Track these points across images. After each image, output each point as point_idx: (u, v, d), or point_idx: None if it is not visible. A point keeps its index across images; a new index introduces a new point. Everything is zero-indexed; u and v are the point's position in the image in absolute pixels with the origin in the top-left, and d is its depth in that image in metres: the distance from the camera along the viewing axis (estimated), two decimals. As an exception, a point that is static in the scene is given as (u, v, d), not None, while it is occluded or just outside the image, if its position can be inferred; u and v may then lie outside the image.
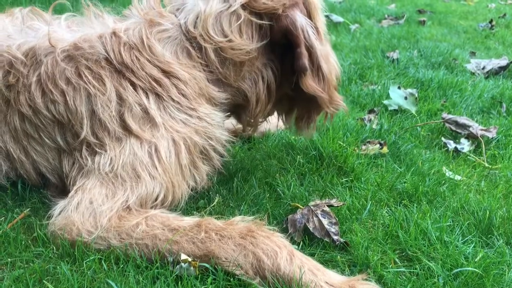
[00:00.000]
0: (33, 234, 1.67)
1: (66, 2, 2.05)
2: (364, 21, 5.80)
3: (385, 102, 3.14)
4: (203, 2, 1.86)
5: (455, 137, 2.71)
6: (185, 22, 1.86)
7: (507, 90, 3.56)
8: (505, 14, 6.36)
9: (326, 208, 1.74)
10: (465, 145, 2.58)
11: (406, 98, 3.10)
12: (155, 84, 1.77)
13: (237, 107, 2.06)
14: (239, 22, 1.83)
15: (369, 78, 3.93)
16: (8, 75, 1.79)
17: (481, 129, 2.64)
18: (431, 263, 1.62)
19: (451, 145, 2.58)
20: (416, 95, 3.15)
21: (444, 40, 5.22)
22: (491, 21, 5.83)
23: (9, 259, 1.54)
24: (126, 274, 1.46)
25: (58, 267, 1.48)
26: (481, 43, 5.21)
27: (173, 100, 1.80)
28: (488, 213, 1.88)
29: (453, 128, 2.73)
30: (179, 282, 1.45)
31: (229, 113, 2.07)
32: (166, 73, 1.80)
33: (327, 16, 5.53)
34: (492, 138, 2.63)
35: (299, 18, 1.83)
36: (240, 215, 1.86)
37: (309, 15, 1.91)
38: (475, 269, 1.53)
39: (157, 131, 1.75)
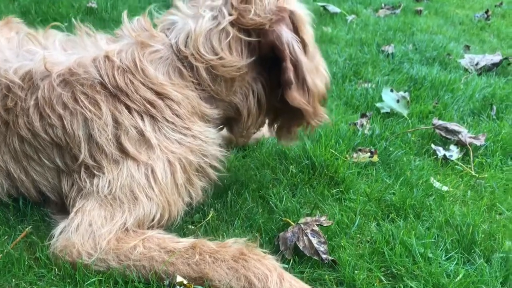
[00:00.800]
0: (35, 253, 1.75)
1: (60, 24, 2.08)
2: (361, 11, 5.79)
3: (378, 105, 3.19)
4: (193, 20, 1.89)
5: (445, 143, 2.78)
6: (176, 42, 1.90)
7: (499, 89, 3.62)
8: (501, 3, 6.35)
9: (316, 228, 1.82)
10: (454, 152, 2.65)
11: (398, 101, 3.16)
12: (149, 107, 1.82)
13: (229, 120, 2.11)
14: (228, 39, 1.87)
15: (364, 75, 3.97)
16: (6, 98, 1.84)
17: (470, 137, 2.71)
18: (414, 281, 1.71)
19: (440, 152, 2.65)
20: (408, 98, 3.20)
21: (440, 32, 5.23)
22: (487, 11, 5.83)
23: (13, 280, 1.63)
24: (125, 297, 1.54)
25: (60, 290, 1.56)
26: (476, 36, 5.23)
27: (167, 121, 1.85)
28: (471, 228, 1.96)
29: (443, 134, 2.80)
30: (175, 304, 1.54)
31: (222, 126, 2.13)
32: (160, 95, 1.84)
33: (324, 7, 5.55)
34: (480, 145, 2.69)
35: (285, 33, 1.86)
36: (233, 230, 1.95)
37: (296, 29, 1.92)
38: (454, 291, 1.62)
39: (153, 153, 1.81)
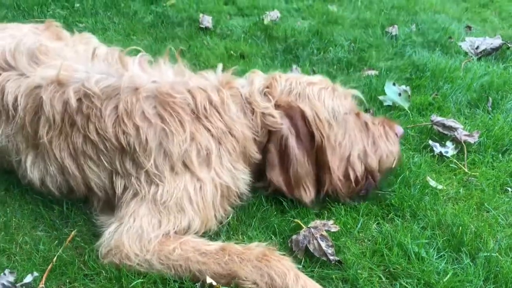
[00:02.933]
0: (82, 256, 2.03)
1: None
2: (366, -12, 5.86)
3: (381, 98, 3.40)
4: (250, 82, 2.38)
5: (442, 138, 3.01)
6: (244, 92, 2.32)
7: (496, 77, 3.80)
8: (506, -23, 6.38)
9: (324, 233, 2.09)
10: (450, 149, 2.89)
11: (400, 94, 3.36)
12: (222, 135, 2.15)
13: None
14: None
15: (368, 60, 4.15)
16: (81, 104, 2.09)
17: (465, 134, 2.94)
18: (409, 279, 1.99)
19: (437, 148, 2.89)
20: (409, 92, 3.40)
21: (443, 11, 5.34)
22: (491, -13, 5.90)
23: (68, 281, 1.91)
24: (164, 298, 1.83)
25: (109, 292, 1.85)
26: (478, 14, 5.35)
27: (228, 151, 2.17)
28: (461, 229, 2.23)
29: (440, 130, 3.02)
30: (206, 302, 1.84)
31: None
32: (230, 129, 2.18)
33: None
34: (474, 142, 2.93)
35: (284, 126, 2.27)
36: (251, 230, 2.23)
37: (306, 123, 2.30)
38: (442, 290, 1.91)
39: (208, 173, 2.11)
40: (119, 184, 2.12)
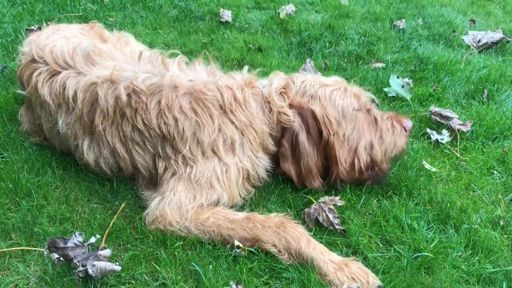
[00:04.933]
0: (132, 223, 2.47)
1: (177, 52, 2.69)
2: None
3: (386, 89, 3.78)
4: (270, 83, 2.75)
5: (439, 127, 3.39)
6: (264, 92, 2.69)
7: (494, 70, 4.15)
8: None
9: (332, 206, 2.51)
10: (445, 136, 3.27)
11: (403, 86, 3.73)
12: (244, 127, 2.56)
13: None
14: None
15: (376, 53, 4.50)
16: (130, 98, 2.51)
17: (459, 124, 3.31)
18: (401, 246, 2.40)
19: (434, 135, 3.27)
20: (411, 84, 3.76)
21: (449, 4, 5.64)
22: (497, -20, 6.16)
23: (121, 243, 2.36)
24: (201, 257, 2.26)
25: (157, 251, 2.29)
26: (483, 8, 5.64)
27: (250, 141, 2.58)
28: (448, 205, 2.63)
29: (438, 119, 3.40)
30: (235, 260, 2.26)
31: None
32: (251, 123, 2.58)
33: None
34: (467, 131, 3.30)
35: (296, 122, 2.63)
36: (271, 204, 2.65)
37: (317, 122, 2.65)
38: (428, 254, 2.31)
39: (233, 158, 2.53)
40: (160, 165, 2.55)
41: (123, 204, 2.58)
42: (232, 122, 2.56)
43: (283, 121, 2.63)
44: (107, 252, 2.15)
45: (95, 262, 2.09)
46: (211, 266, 2.21)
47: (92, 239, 2.21)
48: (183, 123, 2.48)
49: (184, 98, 2.52)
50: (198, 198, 2.43)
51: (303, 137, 2.62)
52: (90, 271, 2.07)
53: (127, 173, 2.69)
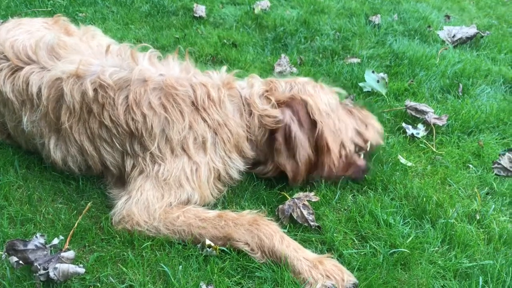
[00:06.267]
0: (98, 223, 2.36)
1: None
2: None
3: (361, 84, 3.73)
4: (250, 85, 2.66)
5: (414, 121, 3.36)
6: (244, 94, 2.60)
7: (468, 65, 4.15)
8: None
9: (306, 202, 2.44)
10: (421, 131, 3.23)
11: (378, 81, 3.69)
12: (218, 126, 2.46)
13: (257, 163, 2.71)
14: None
15: (352, 49, 4.46)
16: (97, 94, 2.39)
17: (434, 118, 3.28)
18: (377, 242, 2.35)
19: (410, 130, 3.23)
20: (387, 79, 3.73)
21: (424, 0, 5.64)
22: (470, -24, 6.20)
23: (86, 244, 2.25)
24: (170, 257, 2.17)
25: (124, 252, 2.18)
26: (457, 3, 5.65)
27: (223, 141, 2.49)
28: (424, 199, 2.59)
29: (413, 114, 3.37)
30: (206, 260, 2.18)
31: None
32: (225, 123, 2.49)
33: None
34: (442, 125, 3.27)
35: (287, 115, 2.54)
36: (244, 202, 2.57)
37: (308, 113, 2.57)
38: (405, 250, 2.26)
39: (204, 157, 2.44)
40: (128, 163, 2.44)
41: (89, 204, 2.47)
42: (205, 120, 2.46)
43: (268, 123, 2.55)
44: (70, 254, 2.05)
45: (57, 265, 1.98)
46: (180, 266, 2.12)
47: (55, 241, 2.10)
48: (152, 119, 2.38)
49: (154, 93, 2.42)
50: (167, 197, 2.33)
51: (295, 128, 2.52)
52: (51, 274, 1.96)
53: (96, 171, 2.57)
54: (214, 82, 2.56)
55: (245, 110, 2.57)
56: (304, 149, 2.53)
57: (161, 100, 2.40)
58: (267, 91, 2.62)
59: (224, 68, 2.74)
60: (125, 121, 2.38)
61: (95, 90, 2.41)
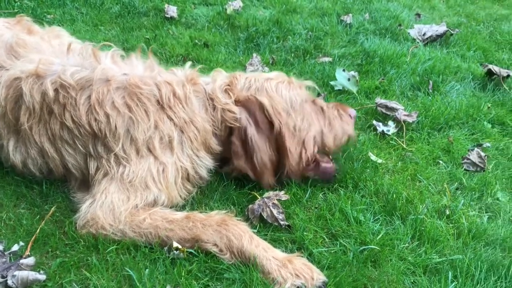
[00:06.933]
0: (62, 228, 2.29)
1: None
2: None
3: (332, 82, 3.73)
4: (213, 80, 2.62)
5: (385, 119, 3.36)
6: (208, 88, 2.57)
7: (438, 62, 4.18)
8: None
9: (276, 201, 2.41)
10: (391, 128, 3.24)
11: (349, 79, 3.69)
12: (184, 124, 2.41)
13: (225, 159, 2.66)
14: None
15: (323, 48, 4.46)
16: (58, 94, 2.32)
17: (404, 115, 3.29)
18: (348, 239, 2.33)
19: (380, 127, 3.23)
20: (357, 77, 3.73)
21: (395, -1, 5.69)
22: (440, -25, 6.27)
23: (50, 250, 2.17)
24: (136, 261, 2.11)
25: (88, 257, 2.12)
26: (427, 2, 5.71)
27: (190, 140, 2.43)
28: (394, 196, 2.58)
29: (384, 111, 3.37)
30: (173, 263, 2.12)
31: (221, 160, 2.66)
32: (192, 120, 2.44)
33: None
34: (412, 122, 3.29)
35: (243, 116, 2.50)
36: (213, 202, 2.53)
37: (265, 114, 2.53)
38: (375, 247, 2.25)
39: (170, 157, 2.38)
40: (92, 165, 2.38)
41: (53, 208, 2.40)
42: (171, 119, 2.41)
43: (228, 119, 2.51)
44: (30, 260, 1.98)
45: (16, 272, 1.91)
46: (147, 270, 2.07)
47: (15, 247, 2.04)
48: (116, 119, 2.32)
49: (117, 92, 2.36)
50: (132, 199, 2.27)
51: (251, 131, 2.49)
52: (10, 282, 1.89)
53: (58, 174, 2.50)
54: (179, 79, 2.51)
55: (209, 105, 2.53)
56: (262, 152, 2.50)
57: (125, 100, 2.34)
58: (228, 85, 2.58)
59: (188, 64, 2.70)
60: (88, 121, 2.32)
61: (56, 90, 2.34)
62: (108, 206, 2.24)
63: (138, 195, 2.28)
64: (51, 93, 2.33)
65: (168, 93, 2.40)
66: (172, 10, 4.99)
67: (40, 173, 2.49)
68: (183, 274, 2.06)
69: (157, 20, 4.84)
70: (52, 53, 2.55)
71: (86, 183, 2.44)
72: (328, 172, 2.69)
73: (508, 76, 3.93)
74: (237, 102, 2.54)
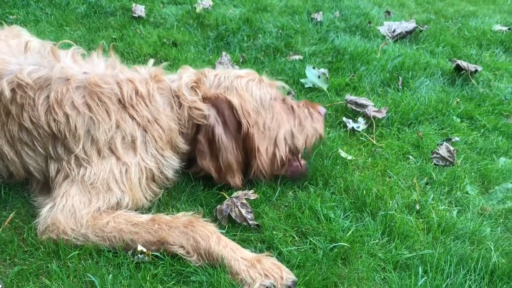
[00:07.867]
0: (21, 235, 2.19)
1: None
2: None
3: (302, 80, 3.70)
4: (180, 77, 2.55)
5: (355, 115, 3.35)
6: (173, 86, 2.50)
7: (408, 58, 4.20)
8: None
9: (244, 201, 2.36)
10: (361, 124, 3.23)
11: (319, 77, 3.67)
12: (148, 123, 2.34)
13: (192, 160, 2.59)
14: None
15: (294, 46, 4.44)
16: (15, 94, 2.23)
17: (374, 111, 3.29)
18: (318, 237, 2.29)
19: (350, 124, 3.22)
20: (327, 74, 3.71)
21: (365, -4, 5.71)
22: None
23: (8, 258, 2.08)
24: (99, 266, 2.04)
25: (48, 264, 2.03)
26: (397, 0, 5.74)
27: (154, 139, 2.36)
28: (364, 192, 2.56)
29: (353, 108, 3.36)
30: (138, 267, 2.05)
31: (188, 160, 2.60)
32: (156, 119, 2.36)
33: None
34: (382, 118, 3.28)
35: (212, 115, 2.44)
36: (180, 204, 2.46)
37: (234, 113, 2.47)
38: (345, 244, 2.22)
39: (133, 157, 2.30)
40: (52, 167, 2.29)
41: (12, 214, 2.30)
42: (133, 118, 2.33)
43: (195, 117, 2.44)
44: (-15, 269, 1.88)
45: (-30, 282, 1.81)
46: (110, 275, 1.99)
47: (-30, 256, 1.93)
48: (75, 119, 2.24)
49: (77, 92, 2.28)
50: (94, 202, 2.19)
51: (219, 130, 2.43)
52: (-37, 293, 1.79)
53: (20, 177, 2.40)
54: (142, 77, 2.45)
55: (175, 103, 2.46)
56: (228, 152, 2.45)
57: (85, 99, 2.26)
58: (195, 82, 2.52)
59: (151, 61, 2.64)
60: (47, 122, 2.23)
61: (12, 90, 2.24)
62: (69, 209, 2.16)
63: (100, 198, 2.20)
64: (7, 93, 2.23)
65: (130, 91, 2.33)
66: (140, 9, 4.91)
67: (0, 178, 2.39)
68: (148, 278, 1.99)
69: (124, 20, 4.75)
70: (9, 53, 2.44)
71: (48, 186, 2.35)
72: (299, 171, 2.65)
73: (476, 71, 3.97)
74: (205, 99, 2.47)
